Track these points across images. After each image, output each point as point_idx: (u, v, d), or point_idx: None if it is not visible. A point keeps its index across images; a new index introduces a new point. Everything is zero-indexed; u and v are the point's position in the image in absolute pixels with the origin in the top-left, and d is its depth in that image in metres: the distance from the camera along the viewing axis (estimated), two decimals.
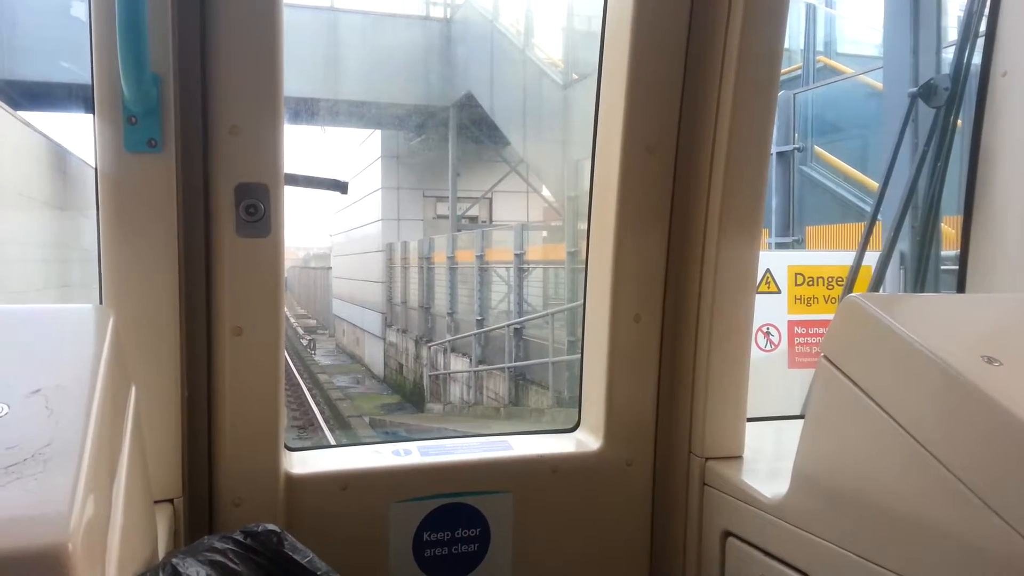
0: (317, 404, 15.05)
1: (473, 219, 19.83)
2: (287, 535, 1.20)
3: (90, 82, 1.60)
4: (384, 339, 19.90)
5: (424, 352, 16.68)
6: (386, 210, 20.26)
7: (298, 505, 1.85)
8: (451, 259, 16.26)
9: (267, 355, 1.78)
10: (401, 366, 18.49)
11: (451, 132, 17.38)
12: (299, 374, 18.49)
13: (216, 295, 1.75)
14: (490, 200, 19.99)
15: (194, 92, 1.68)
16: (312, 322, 32.56)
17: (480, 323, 14.61)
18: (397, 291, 19.95)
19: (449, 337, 15.61)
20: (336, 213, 26.77)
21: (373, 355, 20.66)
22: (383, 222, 20.38)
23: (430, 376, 16.05)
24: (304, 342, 25.80)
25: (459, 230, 17.63)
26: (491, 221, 19.69)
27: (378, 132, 20.20)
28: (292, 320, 32.87)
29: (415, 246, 18.77)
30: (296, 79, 13.85)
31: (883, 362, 1.38)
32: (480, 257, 14.92)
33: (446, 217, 18.78)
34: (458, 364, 15.17)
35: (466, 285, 15.56)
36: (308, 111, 15.09)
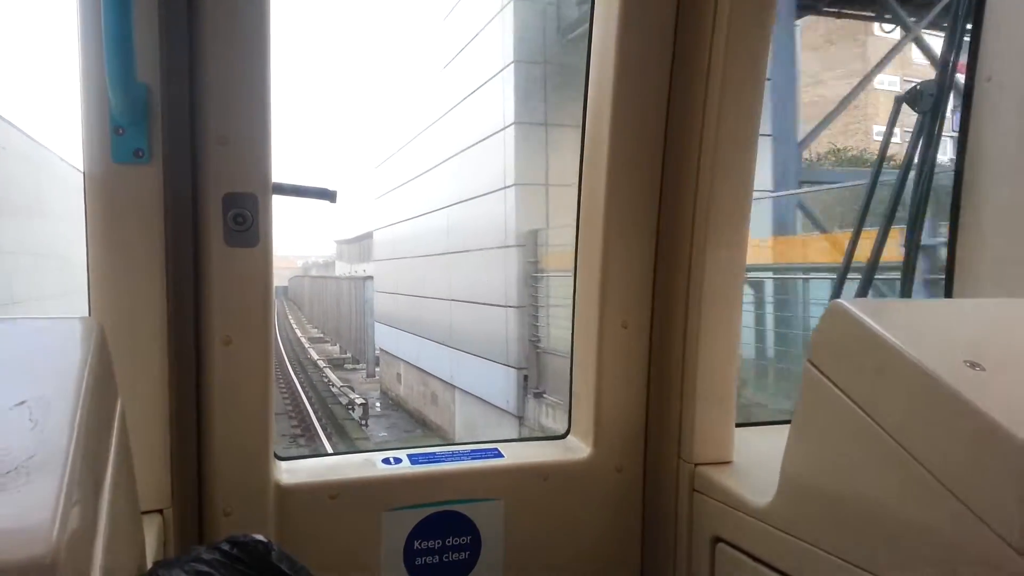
0: None
1: None
2: (274, 544, 1.20)
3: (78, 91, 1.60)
4: (521, 418, 10.27)
5: None
6: (521, 171, 10.34)
7: (289, 514, 1.85)
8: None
9: (257, 365, 1.79)
10: None
11: None
12: None
13: (205, 305, 1.75)
14: None
15: (182, 102, 1.69)
16: (334, 349, 22.36)
17: None
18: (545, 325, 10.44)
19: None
20: (378, 198, 18.95)
21: (486, 431, 11.82)
22: (517, 188, 10.31)
23: None
24: (345, 400, 15.54)
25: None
26: None
27: (499, 22, 10.35)
28: (305, 343, 25.88)
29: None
30: None
31: (867, 367, 1.39)
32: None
33: None
34: None
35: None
36: None
